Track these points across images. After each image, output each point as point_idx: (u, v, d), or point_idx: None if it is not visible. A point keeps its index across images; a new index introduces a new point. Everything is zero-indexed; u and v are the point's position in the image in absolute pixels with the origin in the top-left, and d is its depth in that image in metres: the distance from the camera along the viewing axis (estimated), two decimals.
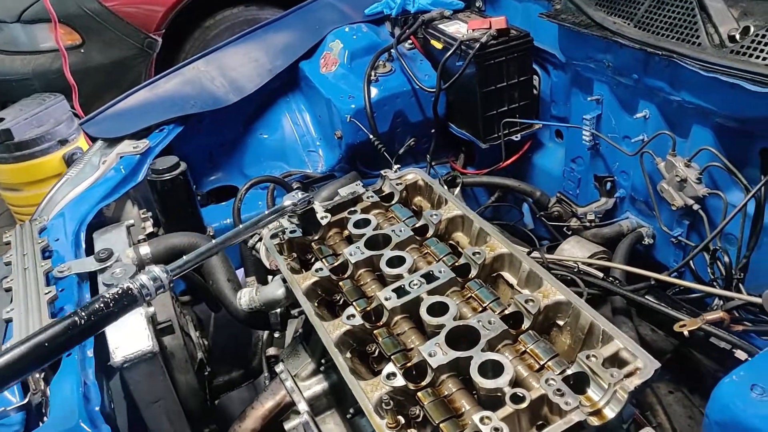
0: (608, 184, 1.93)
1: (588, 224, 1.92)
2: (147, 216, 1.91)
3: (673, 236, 1.72)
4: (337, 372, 1.37)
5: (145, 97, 2.25)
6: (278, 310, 1.55)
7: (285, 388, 1.42)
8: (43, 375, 1.30)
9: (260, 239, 1.74)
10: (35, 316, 1.35)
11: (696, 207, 1.58)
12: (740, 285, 1.47)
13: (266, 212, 1.33)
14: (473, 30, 2.03)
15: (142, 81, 3.89)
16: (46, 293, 1.42)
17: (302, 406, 1.36)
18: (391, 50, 2.23)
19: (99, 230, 1.75)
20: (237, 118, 2.37)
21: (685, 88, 1.52)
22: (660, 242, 1.83)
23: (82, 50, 3.95)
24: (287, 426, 1.40)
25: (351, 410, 1.27)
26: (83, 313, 0.94)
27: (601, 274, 1.69)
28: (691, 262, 1.61)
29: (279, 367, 1.45)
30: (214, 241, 1.22)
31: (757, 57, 1.32)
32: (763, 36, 1.34)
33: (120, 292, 1.00)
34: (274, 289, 1.47)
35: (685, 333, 1.18)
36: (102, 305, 0.96)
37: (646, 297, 1.55)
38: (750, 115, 1.39)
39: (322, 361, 1.41)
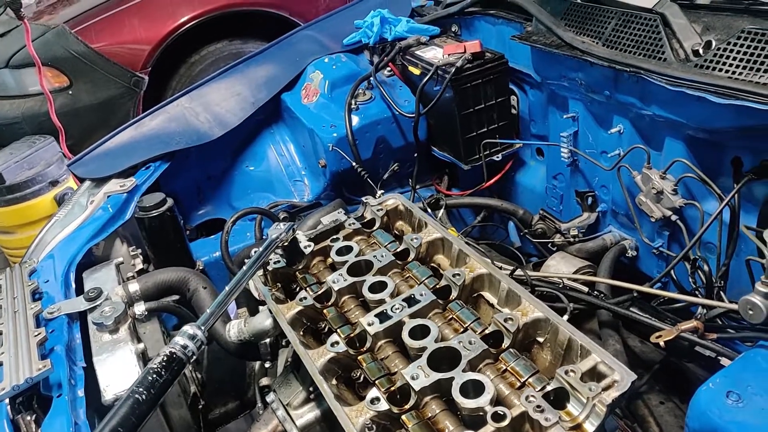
0: (589, 199, 1.96)
1: (572, 239, 1.94)
2: (137, 253, 1.93)
3: (655, 247, 1.75)
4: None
5: (131, 136, 2.28)
6: (268, 340, 1.56)
7: (277, 418, 1.43)
8: (34, 417, 1.31)
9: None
10: (25, 359, 1.35)
11: (674, 218, 1.61)
12: (722, 293, 1.49)
13: (261, 248, 1.34)
14: (449, 55, 2.07)
15: (130, 119, 3.94)
16: (35, 335, 1.43)
17: None
18: (370, 78, 2.27)
19: (89, 270, 1.76)
20: (223, 152, 2.40)
21: (654, 102, 1.55)
22: (643, 254, 1.85)
23: (71, 92, 4.00)
24: None
25: None
26: (141, 389, 0.95)
27: (585, 289, 1.71)
28: (673, 272, 1.63)
29: (270, 397, 1.45)
30: (227, 287, 1.23)
31: (720, 70, 1.36)
32: (725, 50, 1.37)
33: (165, 359, 1.01)
34: (262, 320, 1.48)
35: (662, 343, 1.20)
36: (155, 376, 0.98)
37: (631, 309, 1.56)
38: (717, 126, 1.42)
39: (311, 389, 1.42)
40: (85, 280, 1.74)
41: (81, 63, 3.91)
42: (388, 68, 2.33)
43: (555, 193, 2.11)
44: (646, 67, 1.48)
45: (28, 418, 1.30)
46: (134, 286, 1.64)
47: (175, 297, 1.72)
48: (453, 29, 2.40)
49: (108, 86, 3.99)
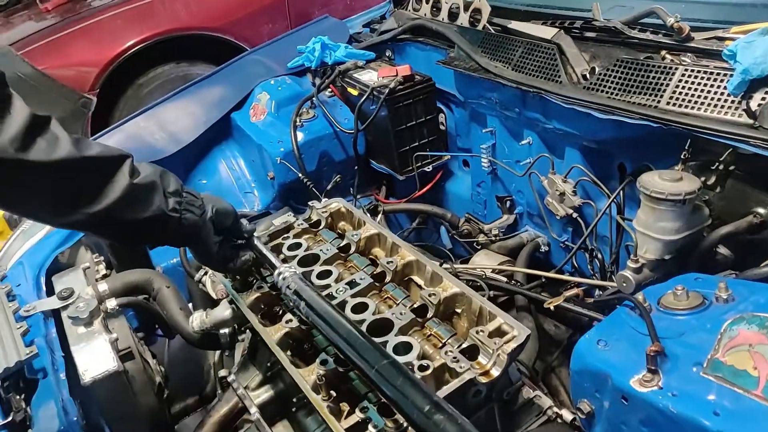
0: (508, 203, 2.24)
1: (494, 238, 2.21)
2: (100, 260, 2.09)
3: (561, 241, 2.03)
4: (281, 377, 1.60)
5: None
6: (227, 331, 1.75)
7: (237, 396, 1.63)
8: (23, 396, 1.47)
9: (206, 273, 1.94)
10: (11, 347, 1.50)
11: (575, 215, 1.89)
12: (613, 276, 1.77)
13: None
14: (383, 77, 2.33)
15: None
16: (18, 328, 1.58)
17: (253, 410, 1.57)
18: (313, 98, 2.50)
19: (57, 274, 1.92)
20: (177, 168, 2.57)
21: (554, 117, 1.84)
22: (554, 248, 2.14)
23: None
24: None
25: (294, 400, 1.48)
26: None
27: (504, 279, 1.98)
28: (575, 261, 1.92)
29: (231, 377, 1.66)
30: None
31: (602, 91, 1.65)
32: (605, 75, 1.67)
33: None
34: (222, 311, 1.68)
35: (552, 308, 1.47)
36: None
37: (541, 293, 1.84)
38: (602, 137, 1.72)
39: (268, 374, 1.62)
40: (54, 283, 1.88)
41: (27, 84, 3.97)
42: (329, 89, 2.57)
43: (479, 199, 2.39)
44: (546, 88, 1.77)
45: (17, 397, 1.47)
46: (103, 286, 1.80)
47: (143, 296, 1.89)
48: (387, 54, 2.66)
49: (55, 107, 4.06)
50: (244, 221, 1.57)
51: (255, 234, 1.68)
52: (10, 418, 1.39)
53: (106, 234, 1.45)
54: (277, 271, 1.41)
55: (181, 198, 1.34)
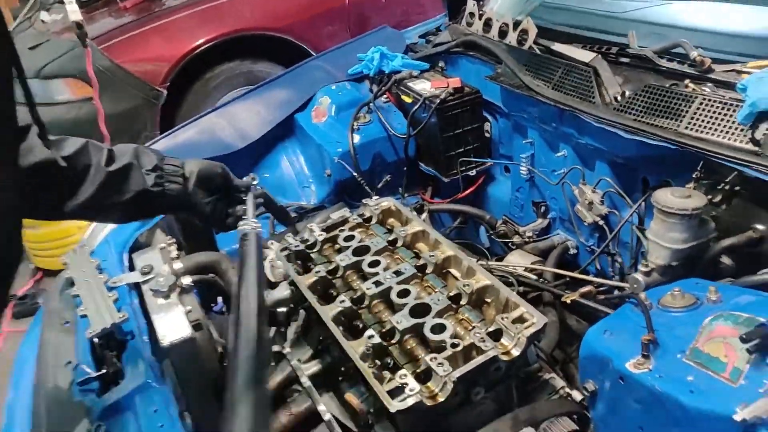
0: (543, 208, 2.43)
1: (527, 240, 2.41)
2: (172, 241, 2.36)
3: (588, 246, 2.22)
4: (329, 352, 1.84)
5: (167, 145, 2.72)
6: (284, 309, 2.00)
7: (291, 366, 1.87)
8: (115, 353, 1.76)
9: (265, 258, 2.20)
10: (105, 312, 1.79)
11: (601, 222, 2.07)
12: None
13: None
14: (435, 88, 2.55)
15: (148, 128, 4.37)
16: (110, 296, 1.87)
17: (304, 379, 1.82)
18: (370, 104, 2.73)
19: (137, 252, 2.20)
20: (244, 161, 2.83)
21: (586, 134, 2.03)
22: (581, 252, 2.32)
23: (94, 102, 4.44)
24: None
25: (342, 369, 1.72)
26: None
27: (534, 277, 2.18)
28: (598, 263, 2.11)
29: (286, 350, 1.91)
30: None
31: (628, 113, 1.84)
32: (634, 98, 1.86)
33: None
34: (282, 291, 1.92)
35: (568, 302, 1.67)
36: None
37: (566, 291, 2.03)
38: (627, 154, 1.90)
39: (319, 348, 1.86)
40: (135, 260, 2.15)
41: (106, 76, 4.34)
42: (385, 96, 2.80)
43: (517, 203, 2.59)
44: (580, 107, 1.96)
45: (110, 353, 1.75)
46: (178, 265, 2.04)
47: (212, 275, 2.16)
48: (440, 65, 2.85)
49: (129, 98, 4.42)
50: (247, 178, 1.73)
51: (313, 224, 1.92)
52: (104, 371, 1.66)
53: (103, 218, 1.67)
54: (241, 222, 1.62)
55: (162, 171, 1.50)
